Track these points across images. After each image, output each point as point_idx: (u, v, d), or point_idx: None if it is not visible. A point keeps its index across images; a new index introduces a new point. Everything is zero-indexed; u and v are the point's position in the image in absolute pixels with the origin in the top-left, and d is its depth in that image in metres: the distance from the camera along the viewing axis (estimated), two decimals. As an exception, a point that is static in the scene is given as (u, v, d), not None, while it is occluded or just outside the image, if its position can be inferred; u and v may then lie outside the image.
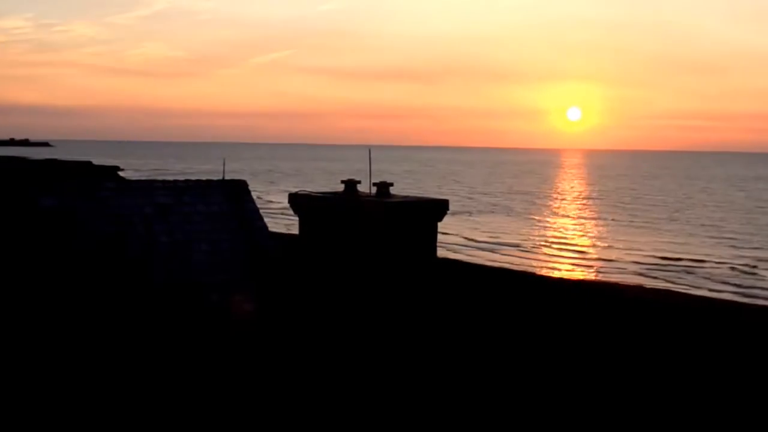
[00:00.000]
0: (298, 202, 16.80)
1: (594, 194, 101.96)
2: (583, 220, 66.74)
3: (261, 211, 14.31)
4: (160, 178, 15.00)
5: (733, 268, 39.61)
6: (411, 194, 17.98)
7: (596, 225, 62.49)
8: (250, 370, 12.03)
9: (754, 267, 40.15)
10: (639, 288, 32.11)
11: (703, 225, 62.16)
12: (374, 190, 16.50)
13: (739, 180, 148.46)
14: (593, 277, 37.05)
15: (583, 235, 55.59)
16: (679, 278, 36.57)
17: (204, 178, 14.17)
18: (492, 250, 46.01)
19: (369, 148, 23.29)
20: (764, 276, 37.59)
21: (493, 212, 72.25)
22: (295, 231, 18.07)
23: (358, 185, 16.78)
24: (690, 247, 48.34)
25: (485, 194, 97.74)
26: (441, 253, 22.11)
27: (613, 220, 65.73)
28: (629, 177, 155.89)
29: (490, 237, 52.39)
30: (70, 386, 11.00)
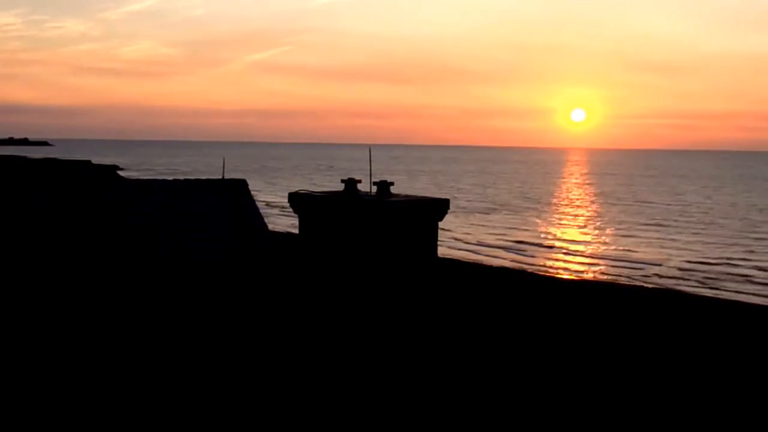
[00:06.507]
0: (297, 201, 16.72)
1: (595, 193, 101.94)
2: (584, 219, 66.68)
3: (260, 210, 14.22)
4: (159, 177, 14.95)
5: (732, 268, 39.57)
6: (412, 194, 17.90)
7: (597, 224, 62.42)
8: (248, 370, 11.97)
9: (753, 265, 40.11)
10: (640, 288, 32.03)
11: (702, 224, 62.15)
12: (374, 189, 16.42)
13: (740, 179, 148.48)
14: (593, 277, 36.98)
15: (584, 234, 55.52)
16: (681, 277, 36.52)
17: (203, 177, 14.09)
18: (493, 250, 45.93)
19: (369, 148, 23.24)
20: (764, 275, 37.53)
21: (493, 211, 72.17)
22: (292, 230, 17.98)
23: (358, 184, 16.70)
24: (690, 246, 48.29)
25: (484, 193, 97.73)
26: (442, 252, 22.00)
27: (614, 219, 65.69)
28: (627, 176, 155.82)
29: (492, 236, 52.30)
30: (54, 387, 10.92)
